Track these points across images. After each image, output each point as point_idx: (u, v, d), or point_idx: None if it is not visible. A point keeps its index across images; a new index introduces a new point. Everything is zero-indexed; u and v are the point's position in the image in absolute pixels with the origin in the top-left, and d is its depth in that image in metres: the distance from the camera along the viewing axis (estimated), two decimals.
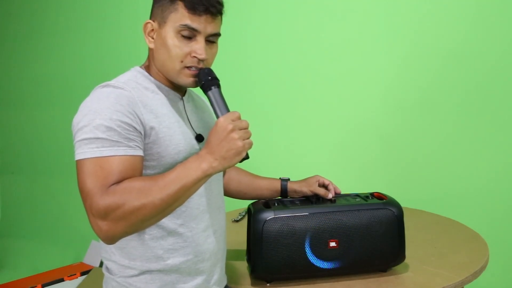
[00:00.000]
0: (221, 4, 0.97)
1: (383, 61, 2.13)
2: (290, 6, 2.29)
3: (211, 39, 0.98)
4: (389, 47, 2.12)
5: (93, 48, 3.01)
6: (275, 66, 2.36)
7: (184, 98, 1.06)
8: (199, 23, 0.94)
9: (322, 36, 2.24)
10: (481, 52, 1.94)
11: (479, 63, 1.95)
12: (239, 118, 0.89)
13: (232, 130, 0.86)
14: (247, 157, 0.89)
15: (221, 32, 1.01)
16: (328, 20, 2.22)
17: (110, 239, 0.83)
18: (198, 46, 0.94)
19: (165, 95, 1.00)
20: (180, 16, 0.93)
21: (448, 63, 2.01)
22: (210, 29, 0.96)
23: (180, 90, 1.05)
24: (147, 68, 1.02)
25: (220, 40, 1.02)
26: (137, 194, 0.81)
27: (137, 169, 0.87)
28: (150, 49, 1.01)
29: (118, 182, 0.83)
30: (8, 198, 3.70)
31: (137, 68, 1.02)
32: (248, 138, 0.88)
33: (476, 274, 1.24)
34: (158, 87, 1.00)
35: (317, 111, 2.30)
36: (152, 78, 1.00)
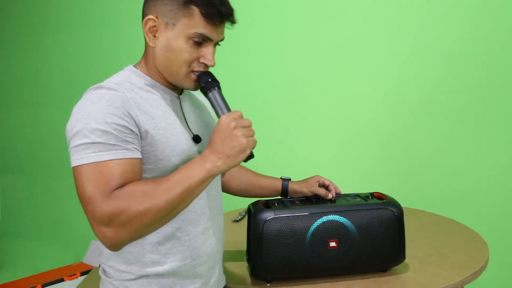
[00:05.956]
0: (234, 13, 0.96)
1: (385, 62, 2.13)
2: (292, 7, 2.29)
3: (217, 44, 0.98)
4: (391, 48, 2.12)
5: (94, 48, 3.01)
6: (276, 67, 2.37)
7: (181, 97, 1.03)
8: (214, 32, 0.93)
9: (324, 37, 2.24)
10: (482, 54, 1.94)
11: (480, 64, 1.95)
12: (241, 116, 0.87)
13: (235, 128, 0.84)
14: (252, 155, 0.88)
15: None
16: (330, 21, 2.22)
17: (115, 246, 0.81)
18: (208, 52, 0.94)
19: (161, 95, 0.98)
20: (195, 23, 0.91)
21: (449, 65, 2.01)
22: (221, 36, 0.96)
23: (176, 88, 1.02)
24: (143, 66, 0.99)
25: (222, 41, 1.01)
26: (141, 198, 0.79)
27: (137, 172, 0.85)
28: (148, 47, 0.97)
29: (120, 186, 0.81)
30: (8, 198, 3.70)
31: (131, 67, 1.00)
32: (252, 136, 0.86)
33: (476, 274, 1.24)
34: (154, 86, 0.97)
35: (318, 112, 2.30)
36: (147, 77, 0.98)
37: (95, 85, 0.91)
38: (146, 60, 0.99)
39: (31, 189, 3.53)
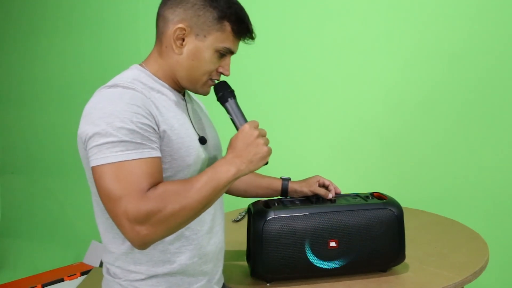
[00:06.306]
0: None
1: (385, 62, 2.13)
2: (292, 7, 2.29)
3: None
4: (391, 48, 2.12)
5: (93, 48, 3.00)
6: (276, 67, 2.36)
7: (185, 98, 1.05)
8: (237, 46, 1.00)
9: (324, 37, 2.24)
10: (483, 54, 1.94)
11: (481, 65, 1.95)
12: (258, 126, 0.94)
13: (258, 136, 0.92)
14: (267, 162, 0.94)
15: None
16: (330, 21, 2.22)
17: (147, 244, 0.82)
18: (227, 63, 1.00)
19: (169, 96, 0.98)
20: (225, 38, 0.96)
21: (449, 65, 2.01)
22: (237, 49, 1.02)
23: (181, 90, 1.03)
24: (152, 67, 0.99)
25: None
26: (177, 197, 0.82)
27: (161, 171, 0.87)
28: (170, 52, 0.97)
29: (151, 185, 0.82)
30: (8, 198, 3.70)
31: (138, 66, 0.99)
32: (268, 144, 0.93)
33: (476, 274, 1.24)
34: (163, 87, 0.98)
35: (317, 111, 2.30)
36: (156, 78, 0.98)
37: (109, 84, 0.90)
38: (159, 62, 0.99)
39: (31, 189, 3.53)
